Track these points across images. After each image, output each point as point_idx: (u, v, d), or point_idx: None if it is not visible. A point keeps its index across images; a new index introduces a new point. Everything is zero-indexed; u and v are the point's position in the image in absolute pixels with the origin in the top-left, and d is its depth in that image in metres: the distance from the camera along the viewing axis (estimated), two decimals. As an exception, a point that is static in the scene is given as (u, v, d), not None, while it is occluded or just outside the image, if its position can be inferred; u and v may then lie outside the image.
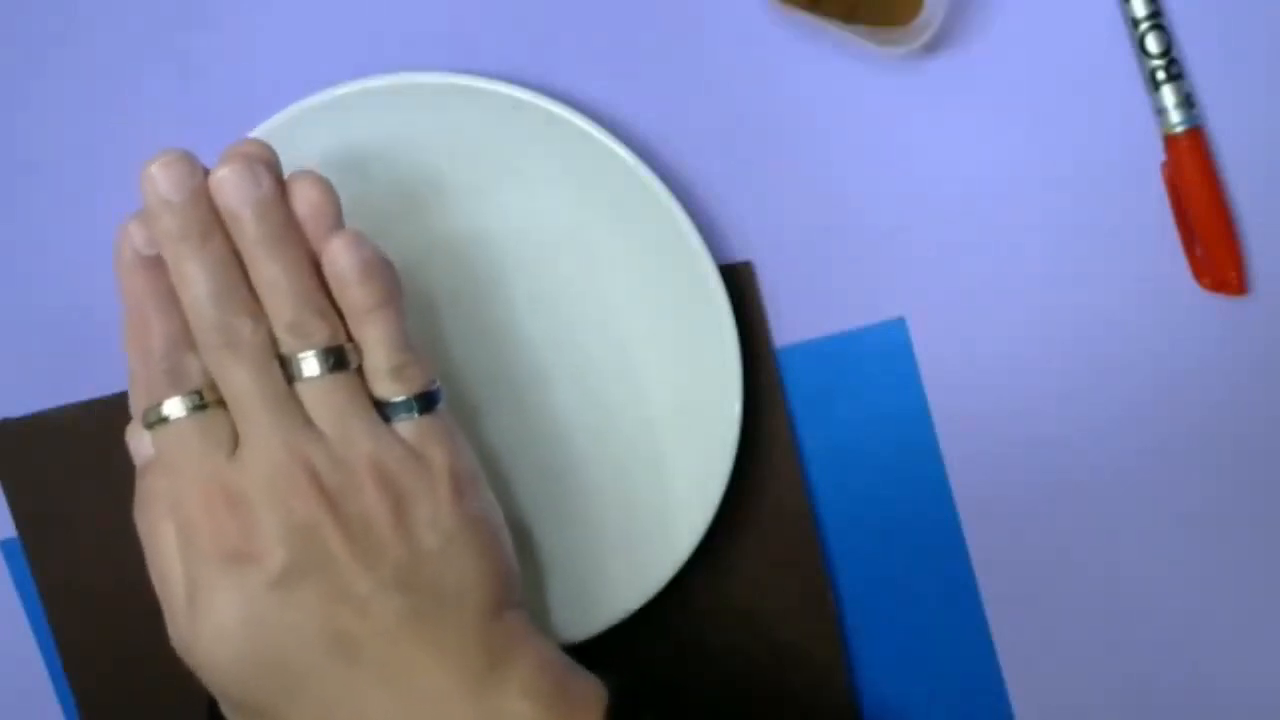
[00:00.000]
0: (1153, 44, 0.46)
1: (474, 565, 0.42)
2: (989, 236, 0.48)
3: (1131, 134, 0.47)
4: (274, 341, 0.41)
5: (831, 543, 0.51)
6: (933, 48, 0.46)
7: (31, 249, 0.54)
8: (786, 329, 0.50)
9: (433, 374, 0.43)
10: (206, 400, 0.41)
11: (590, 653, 0.50)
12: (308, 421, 0.41)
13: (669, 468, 0.49)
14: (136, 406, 0.42)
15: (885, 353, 0.49)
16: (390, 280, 0.42)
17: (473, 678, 0.41)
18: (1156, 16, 0.46)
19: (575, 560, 0.51)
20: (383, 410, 0.42)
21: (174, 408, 0.41)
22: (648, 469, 0.50)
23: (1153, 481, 0.48)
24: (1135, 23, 0.46)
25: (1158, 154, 0.47)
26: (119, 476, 0.52)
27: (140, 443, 0.42)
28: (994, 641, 0.50)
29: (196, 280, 0.40)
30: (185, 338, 0.41)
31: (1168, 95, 0.46)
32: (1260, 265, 0.47)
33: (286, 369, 0.41)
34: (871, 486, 0.50)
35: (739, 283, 0.49)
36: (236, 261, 0.41)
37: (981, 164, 0.48)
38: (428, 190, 0.50)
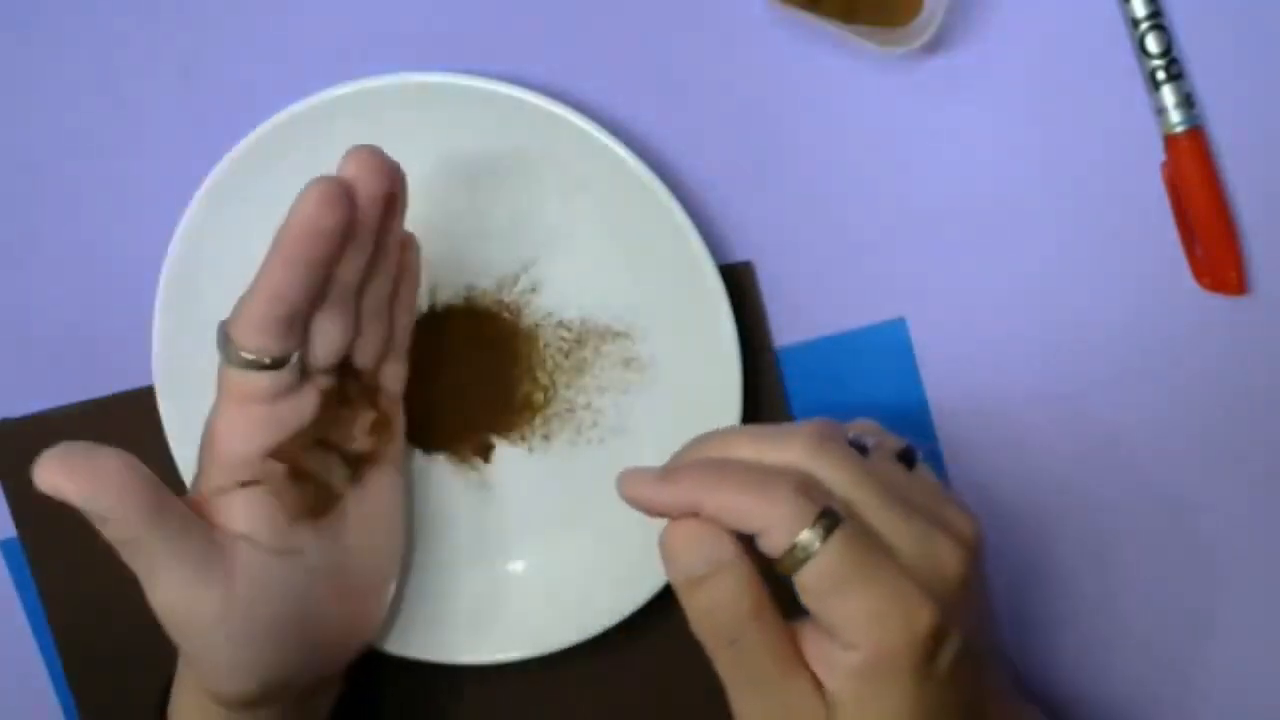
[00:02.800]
0: (1153, 44, 0.46)
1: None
2: (989, 236, 0.48)
3: (1131, 134, 0.47)
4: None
5: (831, 543, 0.51)
6: (933, 47, 0.46)
7: (31, 249, 0.54)
8: (786, 329, 0.50)
9: None
10: (839, 515, 0.37)
11: (591, 652, 0.50)
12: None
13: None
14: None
15: (885, 353, 0.49)
16: None
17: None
18: (1156, 16, 0.46)
19: (575, 559, 0.51)
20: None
21: (812, 536, 0.36)
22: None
23: (1152, 480, 0.48)
24: (1135, 23, 0.46)
25: (1158, 154, 0.47)
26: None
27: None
28: (994, 641, 0.50)
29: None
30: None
31: (1168, 95, 0.46)
32: (1260, 265, 0.47)
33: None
34: (871, 486, 0.50)
35: (739, 283, 0.49)
36: None
37: (981, 164, 0.48)
38: (427, 190, 0.50)
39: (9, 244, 0.54)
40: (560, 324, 0.50)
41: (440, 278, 0.51)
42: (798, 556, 0.36)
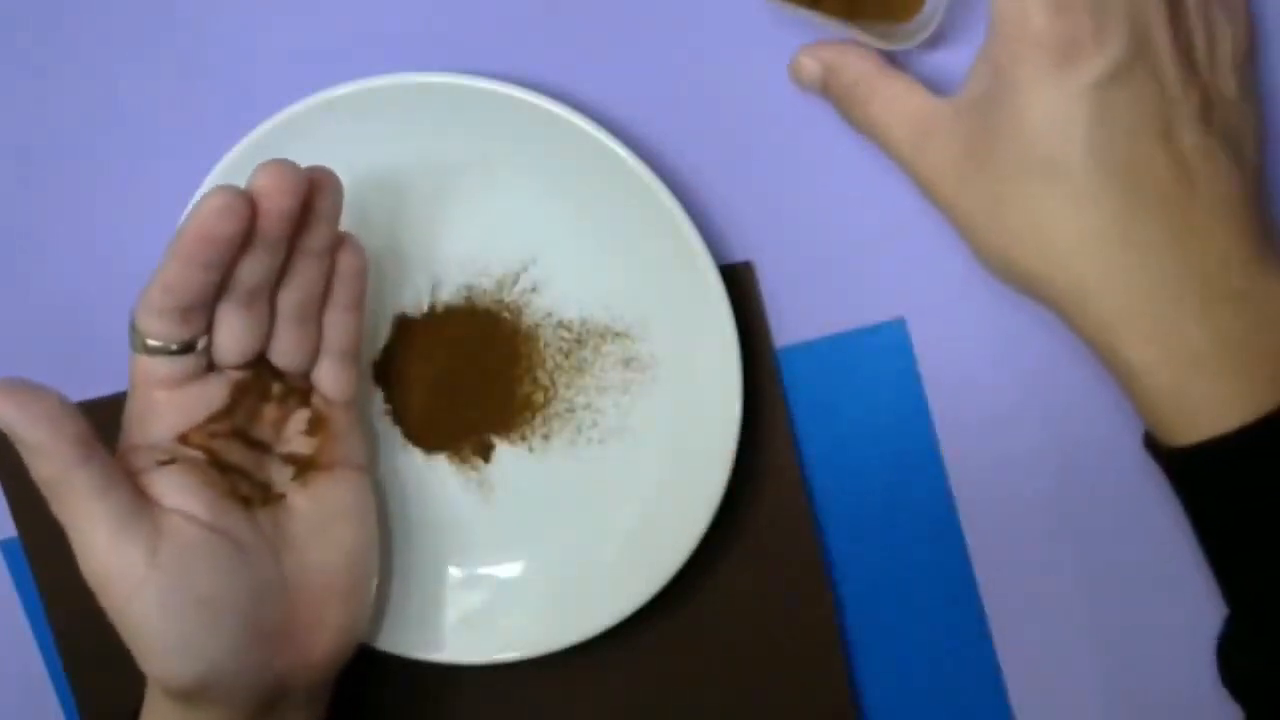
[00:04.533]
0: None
1: (1252, 132, 0.42)
2: (989, 236, 0.48)
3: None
4: None
5: (831, 543, 0.51)
6: (934, 44, 0.46)
7: (31, 250, 0.54)
8: (786, 329, 0.50)
9: None
10: None
11: (591, 651, 0.50)
12: None
13: (669, 467, 0.49)
14: None
15: (885, 353, 0.49)
16: None
17: (1249, 245, 0.40)
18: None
19: (575, 559, 0.51)
20: None
21: None
22: (648, 468, 0.50)
23: (1152, 481, 0.48)
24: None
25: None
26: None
27: None
28: (993, 641, 0.50)
29: None
30: None
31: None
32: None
33: None
34: (871, 486, 0.50)
35: (739, 283, 0.49)
36: None
37: (981, 164, 0.48)
38: (427, 190, 0.50)
39: (9, 245, 0.54)
40: (560, 324, 0.50)
41: (440, 278, 0.51)
42: None
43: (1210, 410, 0.39)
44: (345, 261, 0.46)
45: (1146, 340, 0.40)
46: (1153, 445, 0.42)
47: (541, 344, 0.50)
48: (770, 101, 0.48)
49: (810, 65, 0.46)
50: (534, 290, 0.50)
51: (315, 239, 0.44)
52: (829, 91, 0.45)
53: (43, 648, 0.56)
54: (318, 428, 0.47)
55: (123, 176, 0.53)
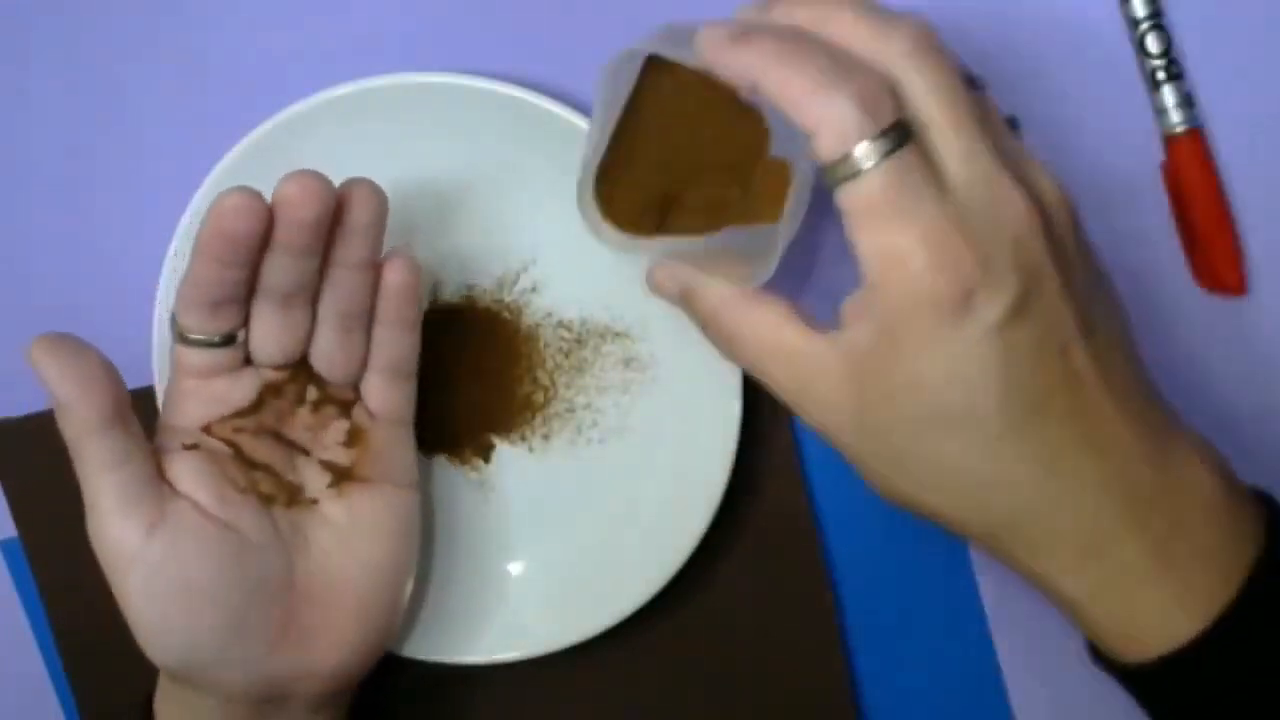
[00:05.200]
0: (1153, 44, 0.46)
1: (1120, 319, 0.40)
2: (989, 236, 0.48)
3: (1131, 134, 0.47)
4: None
5: (831, 543, 0.51)
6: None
7: (31, 249, 0.54)
8: (786, 329, 0.50)
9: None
10: (908, 129, 0.35)
11: (590, 652, 0.50)
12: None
13: (669, 467, 0.49)
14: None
15: (885, 353, 0.49)
16: None
17: (1151, 436, 0.38)
18: (1156, 16, 0.46)
19: (575, 559, 0.51)
20: None
21: (867, 152, 0.35)
22: (648, 469, 0.50)
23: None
24: (1135, 23, 0.46)
25: (1158, 154, 0.47)
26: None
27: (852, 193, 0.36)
28: (994, 641, 0.50)
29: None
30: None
31: (1168, 95, 0.46)
32: (1260, 265, 0.47)
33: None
34: (871, 486, 0.50)
35: (739, 283, 0.49)
36: None
37: (981, 164, 0.48)
38: (427, 190, 0.50)
39: (8, 245, 0.54)
40: (560, 324, 0.50)
41: (440, 277, 0.51)
42: (842, 172, 0.35)
43: (1159, 625, 0.38)
44: (391, 278, 0.45)
45: (1082, 563, 0.38)
46: (1101, 658, 0.41)
47: (541, 344, 0.51)
48: (770, 101, 0.48)
49: (667, 285, 0.43)
50: (534, 290, 0.50)
51: (347, 252, 0.44)
52: (690, 315, 0.42)
53: (43, 648, 0.56)
54: (355, 440, 0.47)
55: (123, 176, 0.53)
